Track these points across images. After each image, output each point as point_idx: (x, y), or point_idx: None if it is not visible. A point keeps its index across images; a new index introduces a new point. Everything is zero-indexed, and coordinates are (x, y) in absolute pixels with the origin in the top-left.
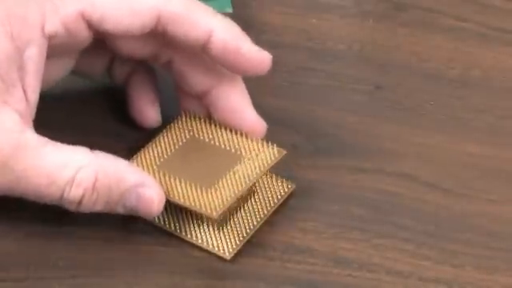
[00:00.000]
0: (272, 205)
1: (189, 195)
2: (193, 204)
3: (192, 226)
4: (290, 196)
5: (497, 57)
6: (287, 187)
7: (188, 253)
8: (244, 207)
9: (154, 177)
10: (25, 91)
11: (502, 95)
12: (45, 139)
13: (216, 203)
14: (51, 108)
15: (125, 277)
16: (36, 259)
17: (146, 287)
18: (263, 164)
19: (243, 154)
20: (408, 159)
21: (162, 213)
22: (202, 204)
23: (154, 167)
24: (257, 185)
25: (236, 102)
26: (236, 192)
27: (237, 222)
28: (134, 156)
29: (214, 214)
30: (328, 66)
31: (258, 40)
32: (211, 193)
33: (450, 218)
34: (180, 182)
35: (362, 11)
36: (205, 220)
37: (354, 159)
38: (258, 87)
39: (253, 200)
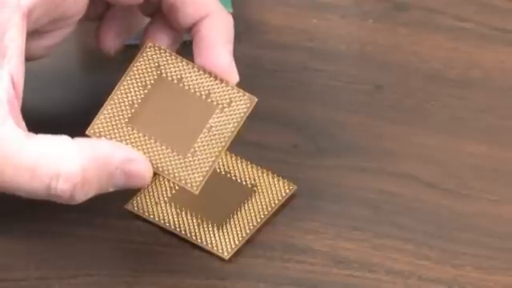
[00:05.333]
0: (273, 205)
1: (169, 166)
2: (177, 179)
3: (192, 225)
4: (290, 196)
5: (497, 57)
6: (289, 188)
7: (188, 253)
8: (244, 207)
9: (126, 134)
10: (10, 78)
11: (502, 95)
12: (25, 132)
13: (196, 176)
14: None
15: (124, 276)
16: (36, 259)
17: (146, 287)
18: (239, 116)
19: (215, 102)
20: (408, 159)
21: (162, 213)
22: (183, 178)
23: (123, 124)
24: (258, 185)
25: (214, 38)
26: (215, 159)
27: (237, 222)
28: (101, 112)
29: (195, 188)
30: (328, 66)
31: (257, 40)
32: (190, 162)
33: (450, 218)
34: (158, 146)
35: (362, 11)
36: (205, 220)
37: (354, 159)
38: (258, 87)
39: (253, 200)
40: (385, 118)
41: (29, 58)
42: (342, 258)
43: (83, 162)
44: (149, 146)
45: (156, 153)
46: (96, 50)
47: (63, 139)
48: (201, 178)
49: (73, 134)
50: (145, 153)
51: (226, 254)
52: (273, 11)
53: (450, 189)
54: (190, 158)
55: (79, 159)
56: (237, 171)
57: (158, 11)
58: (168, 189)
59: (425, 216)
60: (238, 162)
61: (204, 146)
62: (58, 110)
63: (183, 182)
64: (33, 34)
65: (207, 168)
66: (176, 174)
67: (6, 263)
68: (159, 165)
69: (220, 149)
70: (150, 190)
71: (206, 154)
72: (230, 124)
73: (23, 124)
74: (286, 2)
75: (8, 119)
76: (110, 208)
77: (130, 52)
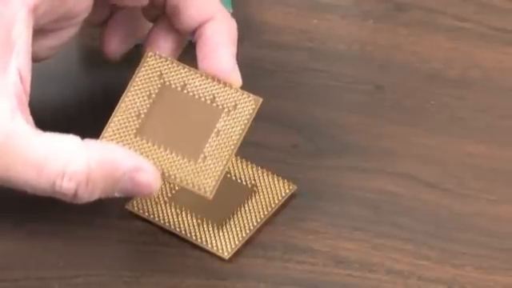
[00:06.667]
0: (273, 205)
1: (181, 173)
2: (190, 186)
3: (192, 225)
4: (290, 196)
5: (497, 57)
6: (289, 188)
7: (188, 253)
8: (244, 207)
9: (136, 145)
10: (18, 73)
11: (502, 95)
12: (33, 128)
13: (209, 181)
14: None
15: (124, 277)
16: (36, 259)
17: (146, 287)
18: (246, 118)
19: (221, 106)
20: (408, 159)
21: (162, 212)
22: (196, 184)
23: (132, 135)
24: (258, 185)
25: (217, 41)
26: (225, 162)
27: (237, 222)
28: (108, 125)
29: (208, 194)
30: (328, 66)
31: (257, 40)
32: (201, 167)
33: (450, 217)
34: (168, 154)
35: (362, 11)
36: (205, 220)
37: (354, 159)
38: (258, 87)
39: (253, 200)
40: (385, 117)
41: (34, 59)
42: (342, 257)
43: (89, 161)
44: (159, 155)
45: (167, 161)
46: (98, 50)
47: (71, 138)
48: (213, 183)
49: (74, 133)
50: (155, 162)
51: (225, 254)
52: (272, 11)
53: (449, 189)
54: (201, 164)
55: (85, 159)
56: (237, 171)
57: (161, 15)
58: (168, 189)
59: (424, 216)
60: (238, 162)
61: (214, 150)
62: (59, 109)
63: (196, 187)
64: (38, 32)
65: (219, 172)
66: (189, 181)
67: (6, 263)
68: (171, 173)
69: (230, 152)
70: None
71: (216, 158)
72: (237, 127)
73: (31, 119)
74: (285, 1)
75: (17, 114)
76: (111, 208)
77: (134, 52)
